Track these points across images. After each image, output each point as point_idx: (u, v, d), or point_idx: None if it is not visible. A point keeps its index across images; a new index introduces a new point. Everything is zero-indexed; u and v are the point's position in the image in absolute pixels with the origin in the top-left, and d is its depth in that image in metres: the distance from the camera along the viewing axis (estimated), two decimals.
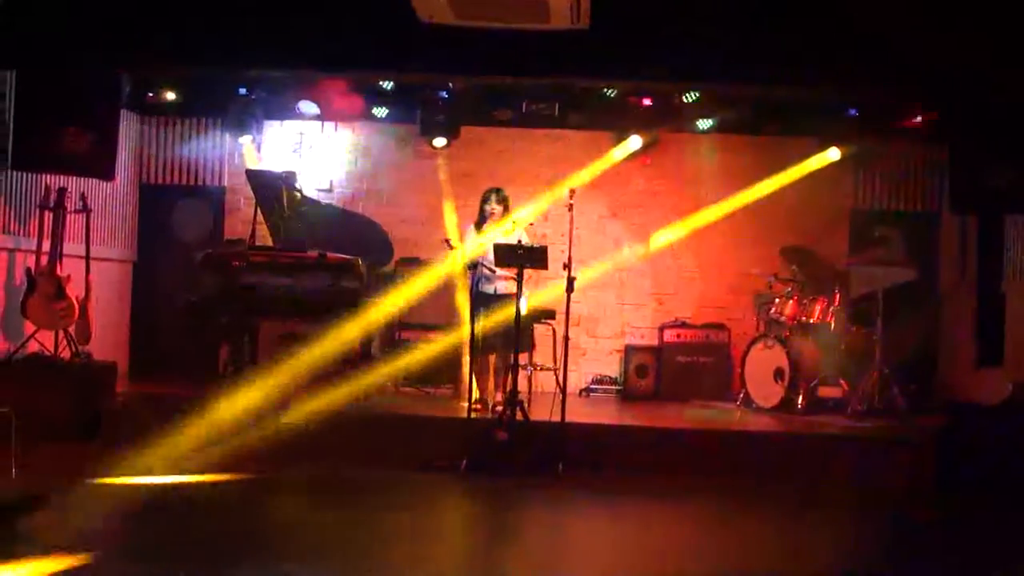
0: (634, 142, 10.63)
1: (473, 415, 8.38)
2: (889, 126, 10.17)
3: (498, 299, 8.66)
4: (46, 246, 8.80)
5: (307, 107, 10.55)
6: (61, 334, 8.91)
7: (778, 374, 9.62)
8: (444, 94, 10.33)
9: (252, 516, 6.36)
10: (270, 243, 9.19)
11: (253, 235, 9.13)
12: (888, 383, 9.40)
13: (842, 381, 9.66)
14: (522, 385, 8.30)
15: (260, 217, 9.21)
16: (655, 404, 10.29)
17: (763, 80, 8.21)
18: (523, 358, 8.48)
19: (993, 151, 8.48)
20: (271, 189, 8.99)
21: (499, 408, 8.38)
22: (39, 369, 8.50)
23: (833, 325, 9.80)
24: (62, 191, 8.90)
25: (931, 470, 7.89)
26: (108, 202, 10.44)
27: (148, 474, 7.02)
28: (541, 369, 9.31)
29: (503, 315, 8.49)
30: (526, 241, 8.43)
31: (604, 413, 9.63)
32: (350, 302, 8.65)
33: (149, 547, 5.53)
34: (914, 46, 7.39)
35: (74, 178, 9.20)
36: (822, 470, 8.05)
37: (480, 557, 5.94)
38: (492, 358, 8.95)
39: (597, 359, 11.14)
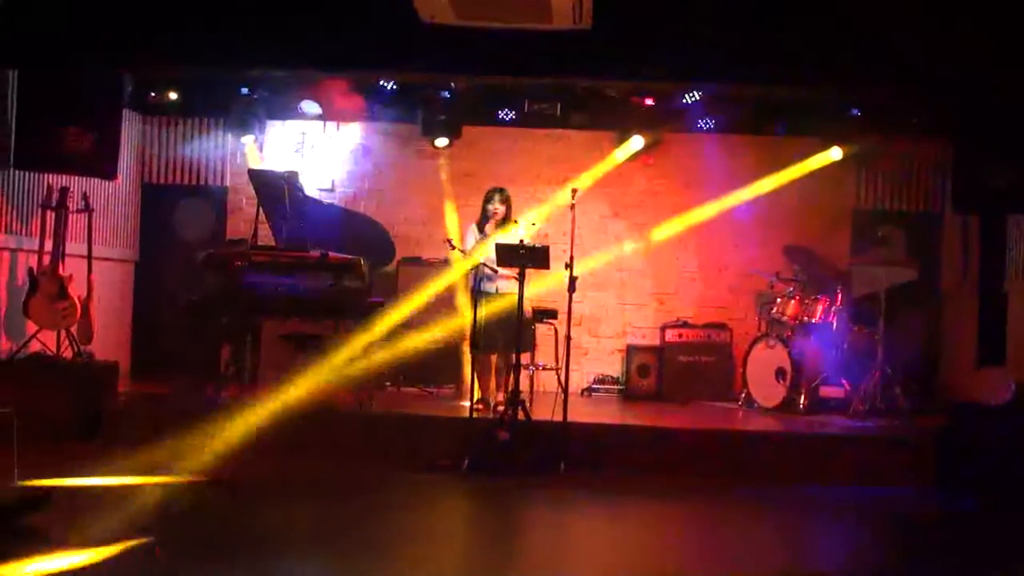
0: (636, 142, 10.62)
1: (475, 415, 8.38)
2: (891, 126, 10.16)
3: (499, 298, 8.66)
4: (48, 246, 8.81)
5: (309, 107, 10.55)
6: (63, 334, 8.92)
7: (780, 374, 9.62)
8: (446, 94, 10.33)
9: (252, 516, 6.35)
10: (272, 243, 9.18)
11: (255, 235, 9.11)
12: (890, 383, 9.40)
13: (844, 381, 9.64)
14: (524, 385, 8.29)
15: (262, 217, 9.21)
16: (657, 404, 10.29)
17: (764, 80, 8.22)
18: (525, 358, 8.47)
19: (994, 151, 8.49)
20: (273, 189, 8.98)
21: (501, 408, 8.38)
22: (41, 369, 8.51)
23: (835, 325, 9.78)
24: (64, 191, 8.90)
25: (932, 470, 7.89)
26: (110, 202, 10.44)
27: (148, 473, 7.03)
28: (543, 369, 9.31)
29: (505, 315, 8.50)
30: (528, 240, 8.43)
31: (606, 413, 9.63)
32: (352, 302, 8.65)
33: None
34: (914, 46, 7.40)
35: (76, 178, 9.21)
36: (824, 470, 8.05)
37: (481, 557, 5.94)
38: (493, 358, 8.96)
39: (599, 359, 11.14)
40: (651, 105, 10.39)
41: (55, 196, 8.86)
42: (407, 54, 7.92)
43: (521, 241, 8.34)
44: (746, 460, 8.19)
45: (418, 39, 7.64)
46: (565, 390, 8.10)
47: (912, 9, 7.32)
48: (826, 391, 9.71)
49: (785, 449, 8.28)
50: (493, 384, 9.01)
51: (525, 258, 8.08)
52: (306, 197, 9.21)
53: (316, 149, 11.21)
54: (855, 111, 10.06)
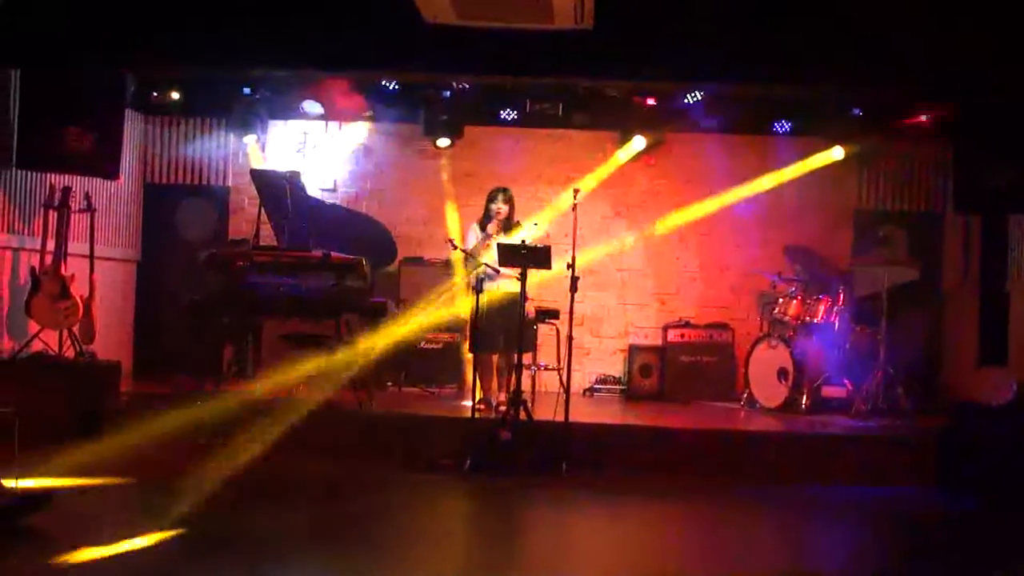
0: (638, 143, 10.63)
1: (476, 415, 8.37)
2: (893, 125, 10.16)
3: (501, 299, 8.66)
4: (50, 245, 8.81)
5: (311, 107, 10.55)
6: (65, 333, 8.92)
7: (782, 374, 9.62)
8: (447, 94, 10.34)
9: (253, 516, 6.35)
10: (274, 243, 9.19)
11: (257, 235, 9.12)
12: (892, 383, 9.39)
13: (846, 381, 9.64)
14: (525, 385, 8.29)
15: (264, 217, 9.22)
16: (659, 404, 10.29)
17: (765, 80, 8.22)
18: (526, 358, 8.47)
19: (993, 151, 8.49)
20: (275, 188, 8.98)
21: (503, 408, 8.38)
22: (43, 368, 8.51)
23: (837, 325, 9.78)
24: (66, 190, 8.91)
25: (934, 470, 7.89)
26: (112, 201, 10.45)
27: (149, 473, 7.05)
28: (545, 369, 9.31)
29: (505, 314, 8.51)
30: (529, 240, 8.43)
31: (608, 413, 9.63)
32: (355, 302, 8.66)
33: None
34: (914, 46, 7.40)
35: (79, 177, 9.22)
36: (826, 470, 8.05)
37: (483, 557, 5.93)
38: (495, 358, 8.96)
39: (601, 359, 11.14)
40: (652, 105, 10.41)
41: (57, 196, 8.87)
42: (408, 54, 7.92)
43: (523, 241, 8.35)
44: (748, 460, 8.19)
45: (419, 39, 7.64)
46: (567, 390, 8.09)
47: (912, 9, 7.32)
48: (828, 391, 9.70)
49: (787, 449, 8.27)
50: (495, 384, 9.01)
51: (526, 258, 8.08)
52: (308, 197, 9.21)
53: (318, 149, 11.22)
54: (856, 111, 10.05)
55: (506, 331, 8.57)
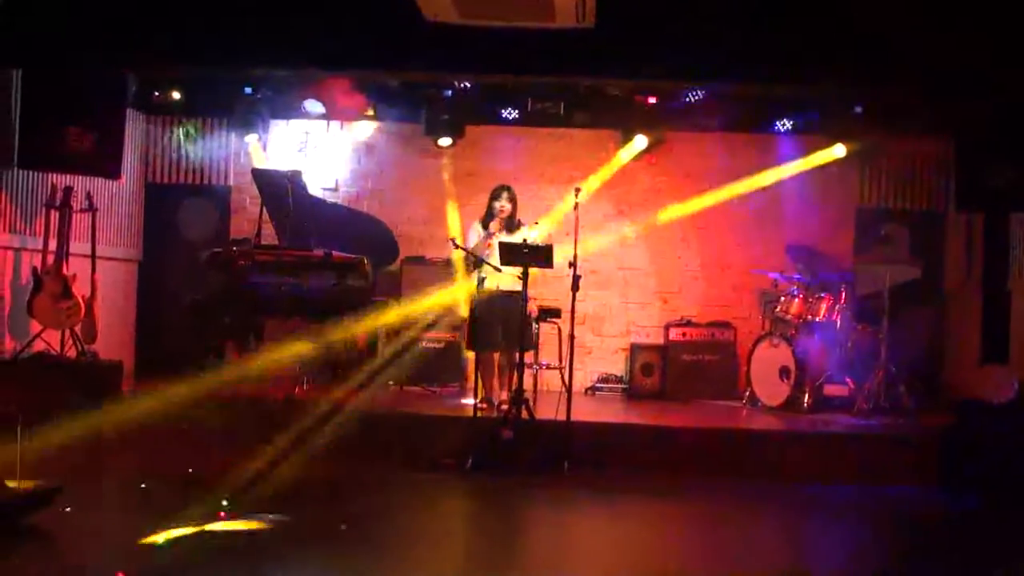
0: (639, 142, 10.62)
1: (478, 414, 8.38)
2: (895, 124, 10.14)
3: (501, 297, 8.66)
4: (52, 245, 8.83)
5: (313, 106, 10.54)
6: (67, 333, 8.93)
7: (784, 372, 9.61)
8: (449, 93, 10.34)
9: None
10: (276, 242, 9.19)
11: (259, 234, 9.13)
12: (894, 381, 9.39)
13: (848, 379, 9.63)
14: (527, 384, 8.29)
15: (266, 216, 9.22)
16: (661, 403, 10.29)
17: (765, 79, 8.21)
18: (527, 357, 8.46)
19: (994, 150, 8.49)
20: (277, 188, 8.98)
21: (504, 407, 8.38)
22: (45, 368, 8.51)
23: (839, 323, 9.77)
24: (68, 190, 8.92)
25: (936, 468, 7.88)
26: (114, 201, 10.45)
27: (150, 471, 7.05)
28: (547, 368, 9.31)
29: (504, 313, 8.50)
30: (531, 240, 8.43)
31: (610, 412, 9.64)
32: (356, 301, 8.65)
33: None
34: (914, 46, 7.39)
35: (80, 177, 9.23)
36: (828, 469, 8.04)
37: (485, 556, 5.93)
38: (496, 356, 8.96)
39: (603, 358, 11.14)
40: (654, 103, 10.39)
41: (59, 195, 8.89)
42: (409, 53, 7.92)
43: (524, 240, 8.34)
44: (750, 459, 8.19)
45: (420, 38, 7.63)
46: (569, 389, 8.10)
47: (912, 9, 7.31)
48: (830, 390, 9.70)
49: (789, 448, 8.28)
50: (496, 383, 9.01)
51: (528, 257, 8.07)
52: (310, 196, 9.21)
53: (319, 148, 11.22)
54: (858, 109, 10.04)
55: (506, 330, 8.57)
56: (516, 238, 8.65)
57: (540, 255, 8.09)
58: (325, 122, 11.08)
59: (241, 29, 7.87)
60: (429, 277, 10.37)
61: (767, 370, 9.77)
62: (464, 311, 9.56)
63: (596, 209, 10.79)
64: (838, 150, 10.35)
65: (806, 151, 10.50)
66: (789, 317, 9.88)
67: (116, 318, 10.41)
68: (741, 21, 7.54)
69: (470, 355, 9.60)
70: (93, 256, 9.26)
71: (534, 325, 8.74)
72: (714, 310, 10.98)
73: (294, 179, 8.92)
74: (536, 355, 9.40)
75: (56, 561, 5.26)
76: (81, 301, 8.90)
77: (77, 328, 8.94)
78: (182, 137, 11.03)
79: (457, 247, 9.11)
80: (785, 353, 9.61)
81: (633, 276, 11.17)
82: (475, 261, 8.57)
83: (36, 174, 9.09)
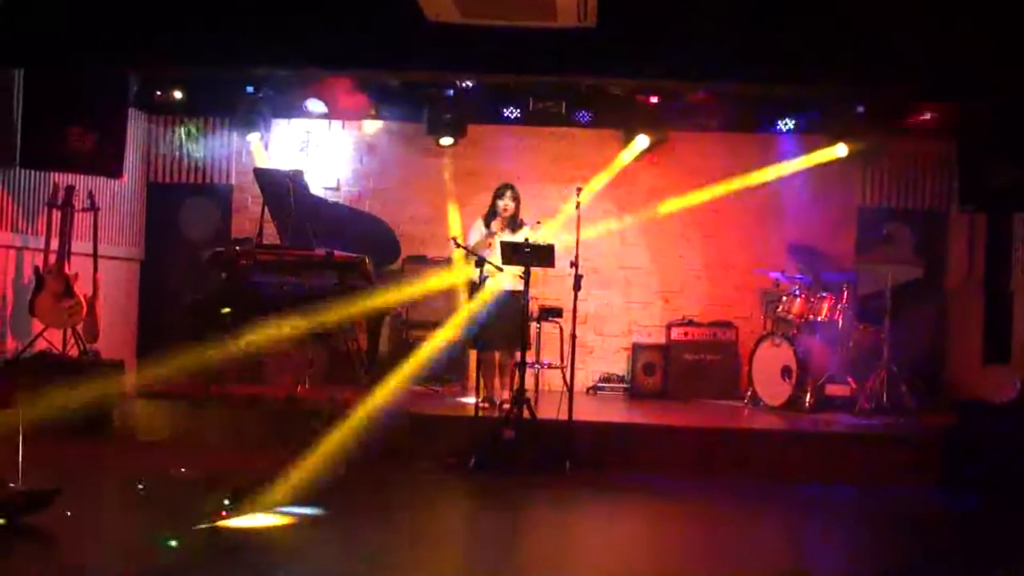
0: (641, 142, 10.62)
1: (480, 413, 8.38)
2: (897, 123, 10.14)
3: (503, 296, 8.65)
4: (54, 244, 8.84)
5: (315, 105, 10.54)
6: (69, 332, 8.94)
7: (786, 372, 9.60)
8: (451, 92, 10.33)
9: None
10: (277, 241, 9.19)
11: (260, 233, 9.13)
12: (896, 381, 9.38)
13: (850, 379, 9.62)
14: (529, 383, 8.28)
15: (268, 215, 9.22)
16: (662, 402, 10.28)
17: (766, 78, 8.20)
18: (528, 356, 8.45)
19: (996, 150, 8.49)
20: (278, 187, 8.98)
21: (506, 406, 8.37)
22: (47, 367, 8.52)
23: (841, 323, 9.76)
24: (70, 189, 8.93)
25: (938, 468, 7.88)
26: (116, 200, 10.46)
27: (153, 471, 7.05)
28: (548, 367, 9.30)
29: (504, 312, 8.50)
30: (533, 239, 8.42)
31: (611, 411, 9.62)
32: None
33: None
34: (914, 46, 7.39)
35: (82, 176, 9.23)
36: (829, 468, 8.04)
37: (485, 556, 5.93)
38: (497, 355, 8.96)
39: (604, 357, 11.13)
40: (656, 103, 10.39)
41: (61, 195, 8.90)
42: (410, 53, 7.91)
43: (526, 240, 8.34)
44: (751, 459, 8.18)
45: (421, 38, 7.64)
46: (570, 388, 8.09)
47: (912, 9, 7.31)
48: (832, 389, 9.68)
49: (791, 447, 8.26)
50: (498, 382, 9.01)
51: (530, 256, 8.07)
52: (311, 195, 9.21)
53: (321, 148, 11.22)
54: (860, 108, 10.03)
55: (507, 329, 8.55)
56: (518, 237, 8.64)
57: (542, 254, 8.08)
58: (327, 121, 11.08)
59: (241, 29, 7.87)
60: (431, 276, 10.36)
61: (769, 370, 9.76)
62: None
63: (598, 208, 10.78)
64: (840, 150, 10.34)
65: (808, 151, 10.48)
66: (791, 317, 9.87)
67: (118, 317, 10.42)
68: (742, 21, 7.54)
69: (472, 354, 9.59)
70: (95, 255, 9.26)
71: (535, 324, 8.73)
72: (716, 310, 10.98)
73: (296, 178, 8.92)
74: (537, 354, 9.39)
75: (56, 561, 5.25)
76: (83, 300, 8.91)
77: (79, 327, 8.95)
78: (184, 136, 11.04)
79: (459, 246, 9.10)
80: (787, 353, 9.61)
81: (635, 275, 11.16)
82: (477, 260, 8.56)
83: (38, 173, 9.10)
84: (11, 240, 8.85)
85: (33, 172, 9.05)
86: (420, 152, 11.09)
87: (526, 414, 7.91)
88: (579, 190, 8.35)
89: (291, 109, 10.85)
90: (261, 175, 9.38)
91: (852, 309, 9.88)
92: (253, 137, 10.72)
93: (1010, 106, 8.32)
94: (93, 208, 9.26)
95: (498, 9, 7.33)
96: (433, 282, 9.78)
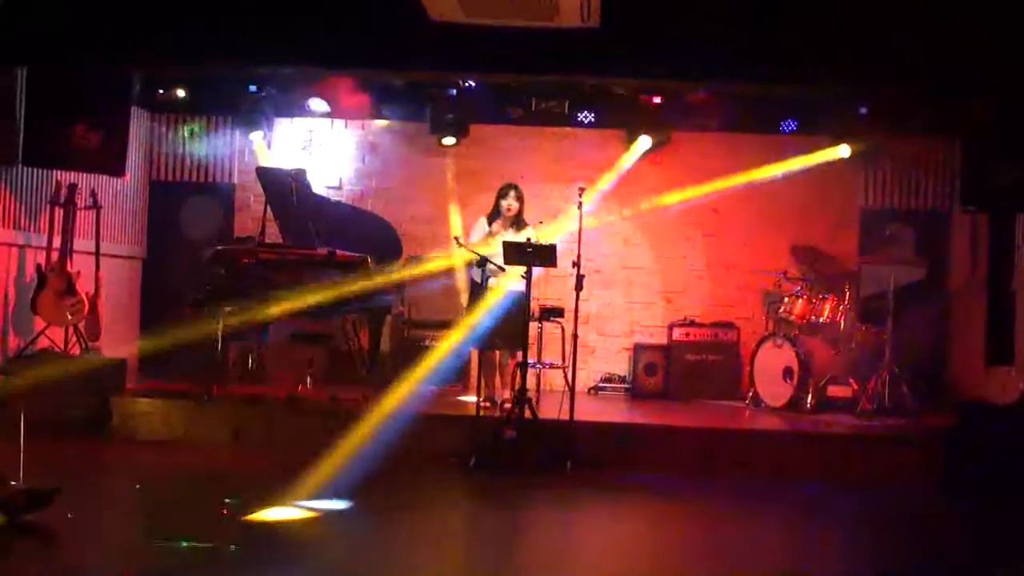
0: (644, 143, 10.62)
1: (481, 413, 8.38)
2: (899, 124, 10.13)
3: (504, 295, 8.63)
4: (56, 242, 8.85)
5: (317, 104, 10.55)
6: (71, 330, 8.95)
7: (787, 373, 9.59)
8: (453, 92, 10.33)
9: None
10: (280, 240, 9.19)
11: (263, 232, 9.13)
12: (898, 382, 9.35)
13: (851, 380, 9.61)
14: (531, 383, 8.28)
15: (270, 214, 9.21)
16: (664, 403, 10.28)
17: (767, 79, 8.20)
18: (529, 356, 8.45)
19: (999, 150, 8.48)
20: (281, 186, 8.98)
21: (507, 406, 8.36)
22: (48, 365, 8.52)
23: (843, 324, 9.76)
24: (72, 187, 8.94)
25: (940, 469, 7.87)
26: (118, 198, 10.47)
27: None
28: (550, 367, 9.30)
29: (503, 312, 8.48)
30: (534, 239, 8.41)
31: (613, 411, 9.63)
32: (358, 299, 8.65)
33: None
34: (914, 46, 7.39)
35: (84, 174, 9.24)
36: (831, 469, 8.03)
37: (486, 555, 5.93)
38: (498, 354, 8.96)
39: (606, 357, 11.13)
40: (659, 103, 10.38)
41: (63, 193, 8.90)
42: (413, 52, 7.91)
43: (528, 239, 8.33)
44: (753, 459, 8.17)
45: (425, 37, 7.63)
46: (572, 388, 8.09)
47: (912, 9, 7.30)
48: (833, 390, 9.67)
49: (792, 448, 8.26)
50: (499, 382, 9.01)
51: (532, 256, 8.06)
52: (314, 194, 9.21)
53: (324, 147, 11.23)
54: (862, 109, 10.02)
55: (508, 329, 8.54)
56: (521, 237, 8.64)
57: (544, 254, 8.07)
58: (329, 120, 11.10)
59: (242, 28, 7.87)
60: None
61: (771, 370, 9.75)
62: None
63: (600, 208, 10.78)
64: (842, 150, 10.33)
65: (810, 151, 10.47)
66: (793, 318, 9.86)
67: (120, 315, 10.42)
68: (744, 21, 7.53)
69: (474, 353, 9.59)
70: (97, 253, 9.27)
71: (536, 324, 8.72)
72: (718, 310, 10.97)
73: (298, 177, 8.92)
74: (539, 353, 9.38)
75: (56, 561, 5.25)
76: (85, 298, 8.92)
77: (81, 325, 8.96)
78: (186, 135, 11.05)
79: (461, 246, 9.10)
80: (789, 354, 9.60)
81: (637, 276, 11.16)
82: (479, 260, 8.55)
83: (40, 171, 9.11)
84: (13, 238, 8.85)
85: (35, 170, 9.05)
86: (422, 151, 11.09)
87: (527, 414, 7.90)
88: (581, 190, 8.35)
89: (294, 108, 10.86)
90: (263, 174, 9.38)
91: (854, 310, 9.88)
92: (256, 136, 10.74)
93: (1012, 106, 8.31)
94: (95, 206, 9.26)
95: (501, 8, 7.33)
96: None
